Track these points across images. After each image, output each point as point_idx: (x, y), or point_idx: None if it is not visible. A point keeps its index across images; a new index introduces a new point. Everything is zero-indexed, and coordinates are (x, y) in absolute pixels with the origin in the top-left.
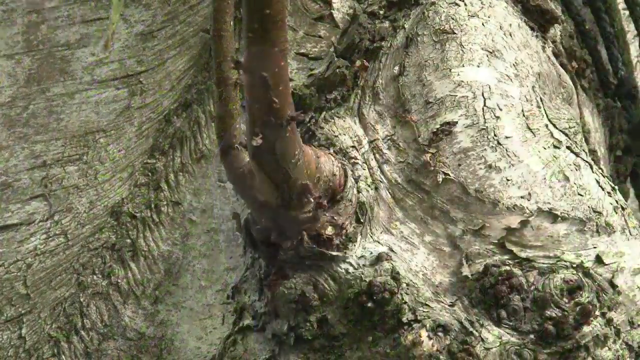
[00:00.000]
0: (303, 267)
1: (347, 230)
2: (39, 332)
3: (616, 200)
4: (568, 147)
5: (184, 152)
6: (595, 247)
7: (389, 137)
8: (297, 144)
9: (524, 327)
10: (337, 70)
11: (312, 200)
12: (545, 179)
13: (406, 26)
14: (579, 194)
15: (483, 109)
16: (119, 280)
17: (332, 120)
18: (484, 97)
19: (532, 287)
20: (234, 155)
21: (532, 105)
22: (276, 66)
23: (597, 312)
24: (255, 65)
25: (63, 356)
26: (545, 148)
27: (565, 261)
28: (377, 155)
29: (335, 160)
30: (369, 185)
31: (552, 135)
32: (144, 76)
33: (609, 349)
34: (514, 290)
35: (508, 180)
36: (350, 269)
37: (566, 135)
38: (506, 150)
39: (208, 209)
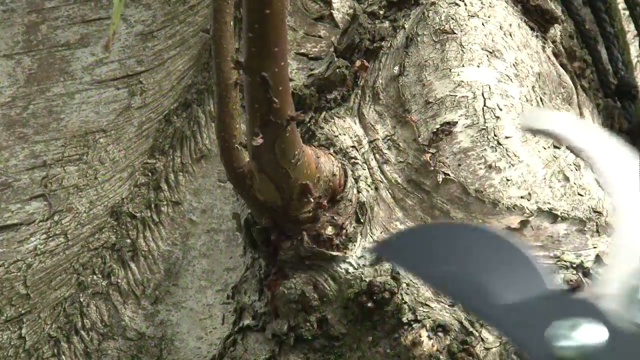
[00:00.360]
0: (303, 267)
1: (347, 230)
2: (39, 332)
3: None
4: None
5: (184, 152)
6: (595, 247)
7: (389, 137)
8: (297, 144)
9: None
10: (337, 70)
11: (312, 200)
12: (545, 179)
13: (406, 26)
14: (579, 194)
15: (483, 109)
16: (119, 280)
17: (332, 120)
18: (484, 97)
19: None
20: (234, 155)
21: (532, 105)
22: (276, 66)
23: None
24: (255, 65)
25: (63, 356)
26: (545, 148)
27: (565, 261)
28: (377, 155)
29: (335, 160)
30: (369, 185)
31: None
32: (144, 76)
33: None
34: None
35: (508, 180)
36: (350, 269)
37: None
38: (506, 150)
39: (208, 209)
